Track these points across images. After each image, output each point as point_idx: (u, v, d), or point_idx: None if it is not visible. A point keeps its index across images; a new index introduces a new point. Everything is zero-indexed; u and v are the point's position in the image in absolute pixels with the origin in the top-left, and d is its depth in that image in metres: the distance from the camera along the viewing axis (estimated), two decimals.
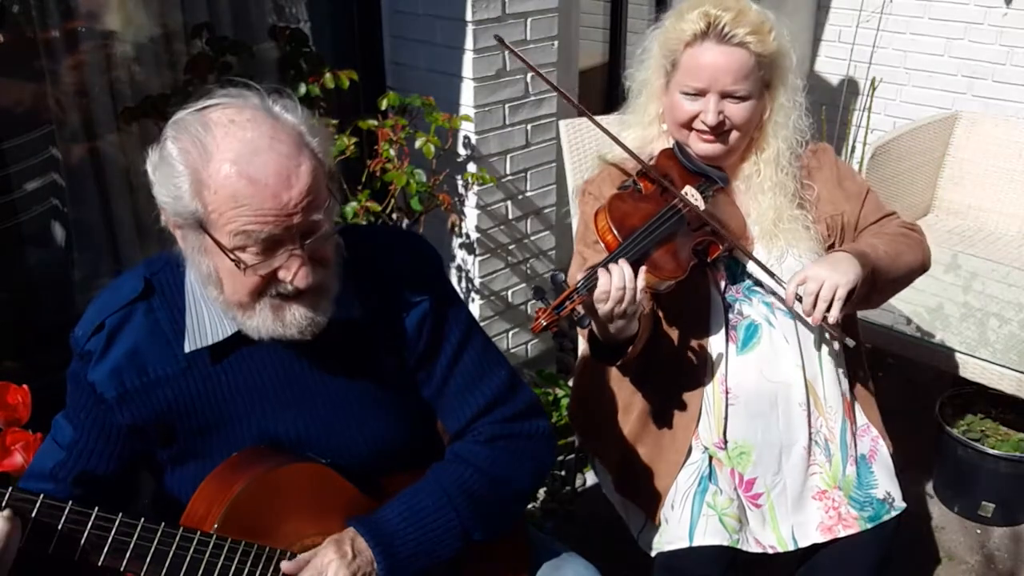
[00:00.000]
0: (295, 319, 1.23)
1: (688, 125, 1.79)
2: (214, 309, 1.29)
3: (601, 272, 1.50)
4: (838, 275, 1.66)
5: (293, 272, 1.19)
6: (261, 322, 1.23)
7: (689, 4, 1.76)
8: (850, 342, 1.77)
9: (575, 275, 1.82)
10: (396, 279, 1.38)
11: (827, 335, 1.82)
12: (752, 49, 1.72)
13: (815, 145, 1.94)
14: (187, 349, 1.29)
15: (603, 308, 1.52)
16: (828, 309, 1.65)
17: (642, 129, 1.89)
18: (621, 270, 1.51)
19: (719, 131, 1.77)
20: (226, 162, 1.13)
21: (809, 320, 1.68)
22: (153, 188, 1.20)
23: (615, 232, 1.60)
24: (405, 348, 1.38)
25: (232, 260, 1.17)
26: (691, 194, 1.75)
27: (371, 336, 1.37)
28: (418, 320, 1.38)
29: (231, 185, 1.13)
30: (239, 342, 1.30)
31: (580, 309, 1.50)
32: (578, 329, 1.93)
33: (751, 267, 1.81)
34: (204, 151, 1.14)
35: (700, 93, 1.75)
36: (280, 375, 1.34)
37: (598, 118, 1.89)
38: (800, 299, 1.67)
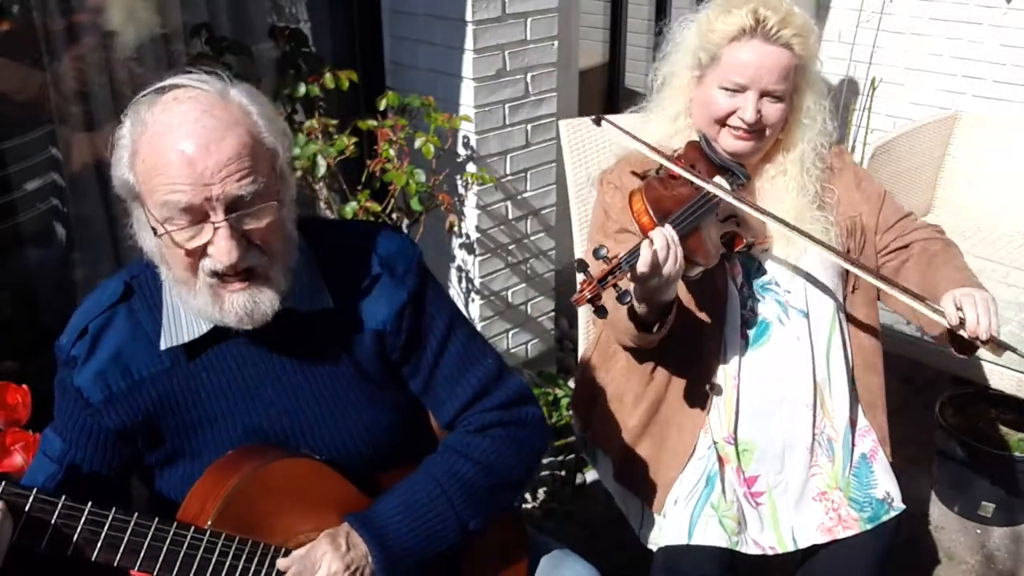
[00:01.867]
0: (232, 306, 1.23)
1: (722, 121, 1.78)
2: (190, 307, 1.29)
3: (644, 244, 1.49)
4: (984, 291, 1.66)
5: (217, 247, 1.19)
6: (203, 304, 1.24)
7: (735, 1, 1.75)
8: (1023, 353, 1.72)
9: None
10: (371, 271, 1.38)
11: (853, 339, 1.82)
12: (796, 51, 1.73)
13: (837, 147, 1.95)
14: (162, 346, 1.30)
15: (650, 280, 1.51)
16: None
17: (668, 123, 1.89)
18: (663, 233, 1.51)
19: (754, 129, 1.77)
20: (156, 134, 1.17)
21: (980, 336, 1.62)
22: (112, 168, 1.23)
23: (651, 214, 1.60)
24: (386, 340, 1.38)
25: (152, 228, 1.18)
26: (721, 184, 1.74)
27: (349, 329, 1.36)
28: (396, 312, 1.37)
29: (155, 154, 1.16)
30: (217, 339, 1.31)
31: (622, 285, 1.50)
32: (595, 318, 1.93)
33: (768, 264, 1.82)
34: (143, 124, 1.18)
35: (740, 89, 1.74)
36: (260, 370, 1.34)
37: (621, 116, 1.89)
38: (962, 321, 1.63)
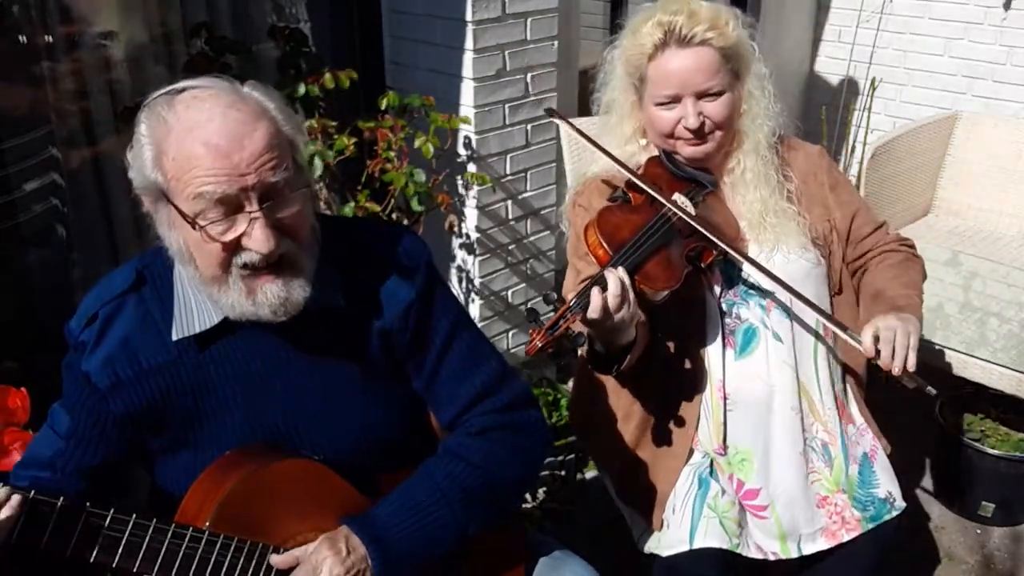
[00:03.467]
0: (267, 298, 1.24)
1: (671, 134, 1.79)
2: (201, 298, 1.30)
3: (594, 292, 1.47)
4: (908, 324, 1.67)
5: (254, 237, 1.20)
6: (235, 298, 1.25)
7: (640, 18, 1.76)
8: (931, 390, 1.71)
9: (570, 287, 1.81)
10: (380, 269, 1.39)
11: (836, 355, 1.82)
12: (714, 44, 1.72)
13: (818, 148, 1.94)
14: (174, 337, 1.31)
15: (603, 324, 1.50)
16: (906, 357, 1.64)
17: (618, 149, 1.88)
18: (616, 278, 1.49)
19: (702, 132, 1.77)
20: (183, 130, 1.18)
21: (893, 371, 1.64)
22: (129, 172, 1.24)
23: (605, 246, 1.58)
24: (391, 338, 1.39)
25: (190, 224, 1.18)
26: (680, 201, 1.73)
27: (356, 325, 1.37)
28: (403, 310, 1.38)
29: (186, 149, 1.18)
30: (226, 331, 1.32)
31: (575, 328, 1.47)
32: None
33: (747, 269, 1.81)
34: (165, 124, 1.20)
35: (675, 100, 1.75)
36: (268, 364, 1.35)
37: (581, 119, 1.89)
38: (879, 352, 1.65)
